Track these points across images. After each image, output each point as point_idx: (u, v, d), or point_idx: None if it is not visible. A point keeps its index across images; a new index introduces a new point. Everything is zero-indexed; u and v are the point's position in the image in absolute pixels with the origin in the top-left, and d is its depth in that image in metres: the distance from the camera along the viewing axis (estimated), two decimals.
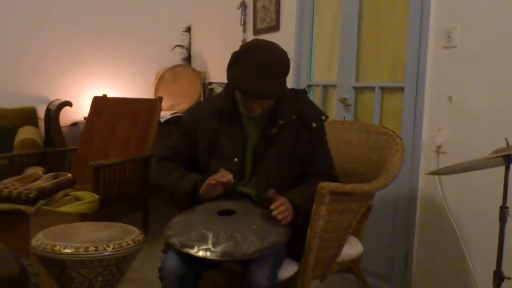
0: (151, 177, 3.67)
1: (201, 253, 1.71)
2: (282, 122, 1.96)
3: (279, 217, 1.82)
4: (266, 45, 1.91)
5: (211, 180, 1.87)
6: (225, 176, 1.86)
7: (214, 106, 2.05)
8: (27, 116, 4.48)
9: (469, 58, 2.35)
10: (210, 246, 1.72)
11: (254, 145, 2.01)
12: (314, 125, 2.00)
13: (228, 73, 1.90)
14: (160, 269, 1.82)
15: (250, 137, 2.01)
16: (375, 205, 2.25)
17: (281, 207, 1.84)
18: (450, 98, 2.44)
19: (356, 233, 2.22)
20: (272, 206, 1.83)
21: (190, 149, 2.04)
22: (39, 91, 4.65)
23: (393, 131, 2.23)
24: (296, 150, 2.00)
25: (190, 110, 2.20)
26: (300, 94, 2.12)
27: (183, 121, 2.20)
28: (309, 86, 3.46)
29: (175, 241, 1.77)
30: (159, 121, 3.89)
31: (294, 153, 2.00)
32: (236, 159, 1.98)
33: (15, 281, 0.98)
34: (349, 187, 1.92)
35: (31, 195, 2.40)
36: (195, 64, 5.08)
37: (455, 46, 2.40)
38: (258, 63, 1.83)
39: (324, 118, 2.04)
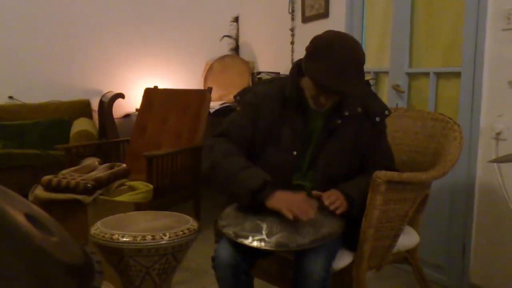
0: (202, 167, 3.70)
1: (255, 244, 1.71)
2: (347, 113, 1.90)
3: (331, 207, 1.80)
4: (349, 40, 1.82)
5: (286, 210, 1.72)
6: (306, 213, 1.73)
7: (279, 92, 1.95)
8: (82, 108, 4.62)
9: None
10: (264, 236, 1.71)
11: (316, 138, 1.94)
12: (377, 119, 1.94)
13: (308, 65, 1.80)
14: (213, 259, 1.83)
15: (313, 131, 1.94)
16: (432, 194, 2.19)
17: (332, 197, 1.82)
18: (510, 83, 2.34)
19: (412, 223, 2.17)
20: (324, 198, 1.82)
21: (249, 126, 1.93)
22: (93, 84, 4.78)
23: (450, 118, 2.15)
24: (357, 144, 1.94)
25: (252, 89, 2.08)
26: (365, 86, 2.03)
27: (245, 98, 2.03)
28: (373, 78, 3.36)
29: (229, 231, 1.78)
30: (209, 112, 3.92)
31: (355, 146, 1.94)
32: (295, 152, 1.91)
33: (81, 268, 1.01)
34: (405, 176, 1.88)
35: (89, 185, 2.44)
36: (243, 54, 5.08)
37: None
38: (343, 60, 1.75)
39: (387, 113, 1.97)
